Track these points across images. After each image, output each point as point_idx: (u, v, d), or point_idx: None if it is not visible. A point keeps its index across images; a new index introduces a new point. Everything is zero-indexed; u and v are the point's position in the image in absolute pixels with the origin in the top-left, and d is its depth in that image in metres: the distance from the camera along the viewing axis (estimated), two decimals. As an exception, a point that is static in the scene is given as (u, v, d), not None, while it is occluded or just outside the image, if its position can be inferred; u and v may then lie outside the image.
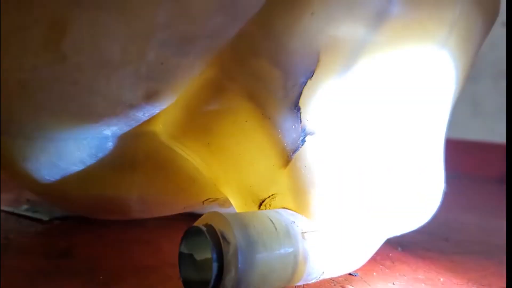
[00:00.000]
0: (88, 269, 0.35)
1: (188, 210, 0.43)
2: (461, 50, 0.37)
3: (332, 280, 0.35)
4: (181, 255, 0.29)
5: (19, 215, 0.47)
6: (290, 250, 0.29)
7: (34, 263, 0.36)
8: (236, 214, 0.30)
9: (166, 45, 0.28)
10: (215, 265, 0.27)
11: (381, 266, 0.39)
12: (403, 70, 0.34)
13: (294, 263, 0.30)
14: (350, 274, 0.36)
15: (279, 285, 0.30)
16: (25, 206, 0.49)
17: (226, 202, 0.38)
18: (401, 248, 0.43)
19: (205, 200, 0.39)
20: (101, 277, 0.34)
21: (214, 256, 0.27)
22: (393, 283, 0.35)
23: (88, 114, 0.31)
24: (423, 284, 0.36)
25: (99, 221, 0.45)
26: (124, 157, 0.36)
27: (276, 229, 0.29)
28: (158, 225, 0.46)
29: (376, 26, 0.31)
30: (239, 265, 0.27)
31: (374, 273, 0.37)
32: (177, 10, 0.27)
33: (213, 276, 0.27)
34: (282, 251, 0.29)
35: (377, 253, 0.35)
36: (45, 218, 0.46)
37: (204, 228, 0.28)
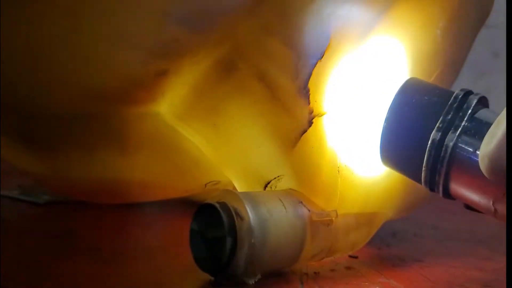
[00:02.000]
0: (92, 249, 0.35)
1: (189, 193, 0.43)
2: (457, 44, 0.38)
3: (334, 260, 0.35)
4: (192, 232, 0.29)
5: (12, 199, 0.47)
6: (299, 229, 0.30)
7: (36, 242, 0.36)
8: (247, 192, 0.30)
9: (183, 22, 0.28)
10: (229, 240, 0.27)
11: (378, 250, 0.39)
12: (407, 54, 0.34)
13: (302, 242, 0.30)
14: (350, 256, 0.37)
15: (286, 262, 0.30)
16: (17, 191, 0.49)
17: (228, 185, 0.38)
18: (394, 234, 0.44)
19: (207, 183, 0.40)
20: (105, 256, 0.33)
21: (228, 231, 0.27)
22: (393, 265, 0.36)
23: (98, 90, 0.31)
24: (422, 265, 0.36)
25: (97, 205, 0.45)
26: (127, 138, 0.36)
27: (285, 208, 0.30)
28: (157, 210, 0.46)
29: (384, 10, 0.32)
30: (253, 241, 0.27)
31: (372, 256, 0.38)
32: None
33: (227, 252, 0.27)
34: (291, 230, 0.29)
35: (372, 239, 0.36)
36: (40, 201, 0.45)
37: (217, 205, 0.28)
